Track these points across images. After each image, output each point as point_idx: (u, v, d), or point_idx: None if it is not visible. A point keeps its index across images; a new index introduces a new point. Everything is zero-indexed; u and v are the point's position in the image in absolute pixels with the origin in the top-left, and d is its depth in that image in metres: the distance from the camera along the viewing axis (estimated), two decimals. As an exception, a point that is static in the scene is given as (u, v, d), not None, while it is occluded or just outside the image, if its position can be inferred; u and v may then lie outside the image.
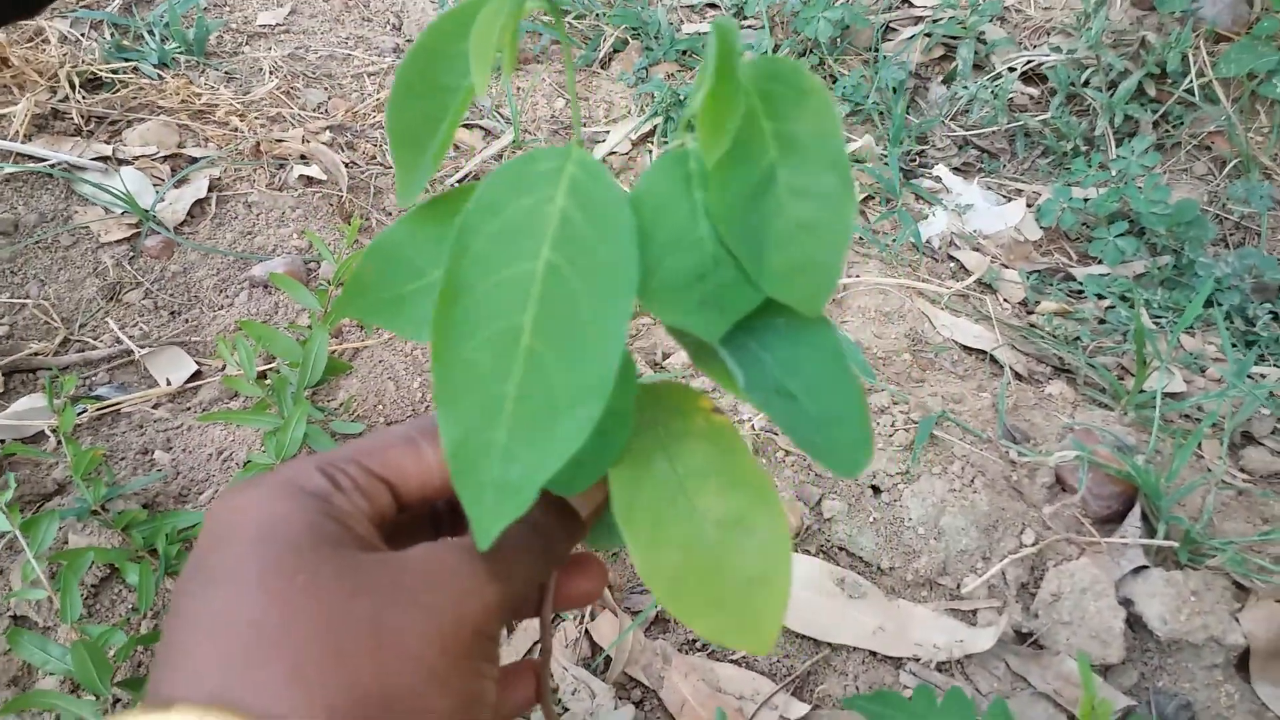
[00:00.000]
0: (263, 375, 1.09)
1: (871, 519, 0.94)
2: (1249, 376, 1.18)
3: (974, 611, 0.87)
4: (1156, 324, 1.31)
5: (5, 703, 0.79)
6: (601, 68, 1.81)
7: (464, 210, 0.27)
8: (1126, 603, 0.86)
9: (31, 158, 1.35)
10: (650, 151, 1.57)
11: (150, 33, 1.61)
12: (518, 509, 0.26)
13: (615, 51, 1.83)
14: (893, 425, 1.04)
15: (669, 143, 1.48)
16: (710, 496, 0.30)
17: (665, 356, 1.16)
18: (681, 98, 1.53)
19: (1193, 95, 1.60)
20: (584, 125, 1.65)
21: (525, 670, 0.37)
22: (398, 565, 0.29)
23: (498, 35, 0.26)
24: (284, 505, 0.29)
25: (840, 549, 0.94)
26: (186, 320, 1.19)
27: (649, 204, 0.28)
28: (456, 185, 0.29)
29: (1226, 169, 1.58)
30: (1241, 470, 1.05)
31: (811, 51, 1.83)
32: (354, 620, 0.27)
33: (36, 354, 1.13)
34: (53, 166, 1.34)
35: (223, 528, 0.29)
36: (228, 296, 1.22)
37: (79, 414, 1.05)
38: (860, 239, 1.44)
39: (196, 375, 1.12)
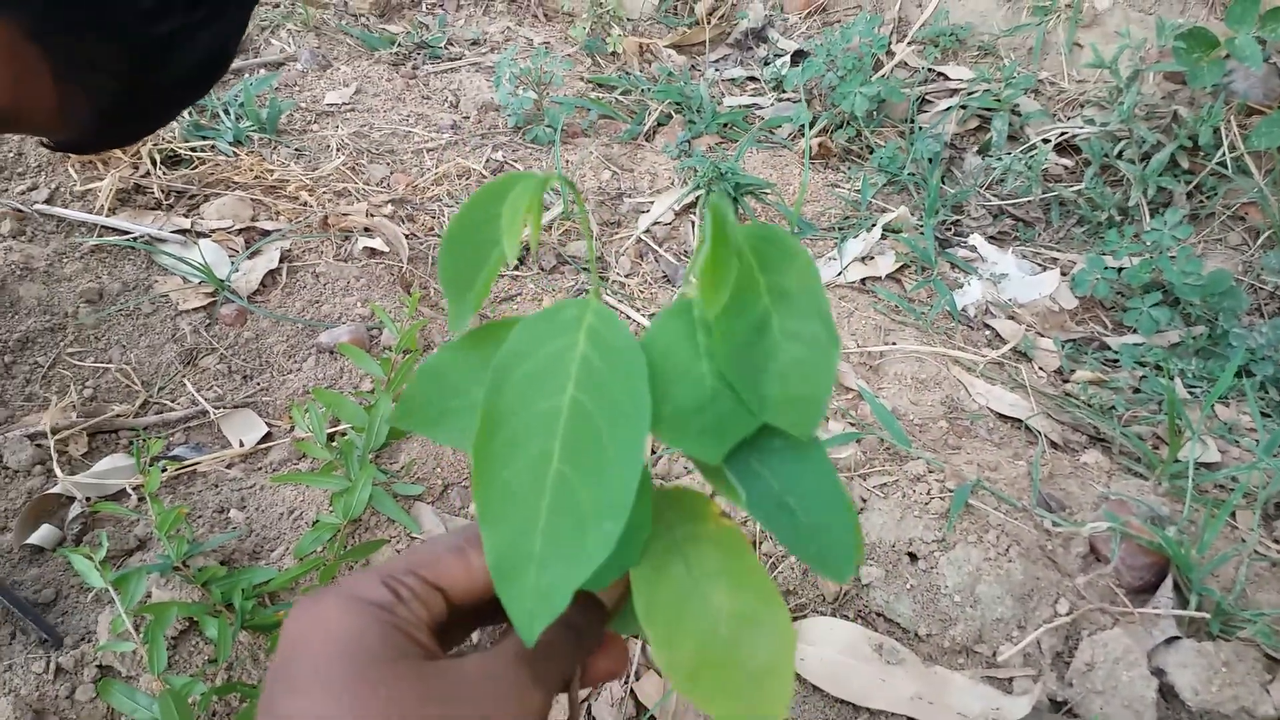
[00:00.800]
0: (330, 438, 1.16)
1: (909, 585, 0.98)
2: (1283, 447, 1.20)
3: (1010, 680, 0.90)
4: (1191, 393, 1.33)
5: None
6: (646, 140, 1.89)
7: (499, 353, 0.32)
8: (1159, 673, 0.88)
9: (116, 230, 1.45)
10: (693, 222, 1.63)
11: (226, 112, 1.73)
12: (554, 612, 0.31)
13: (659, 125, 1.92)
14: (928, 493, 1.07)
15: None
16: (722, 595, 0.34)
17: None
18: (722, 171, 1.60)
19: (1225, 167, 1.63)
20: (629, 195, 1.72)
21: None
22: (458, 674, 0.32)
23: (523, 214, 0.32)
24: (355, 618, 0.32)
25: (878, 615, 0.97)
26: (258, 384, 1.27)
27: (658, 347, 0.33)
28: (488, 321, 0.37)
29: (1260, 239, 1.61)
30: (1275, 541, 1.07)
31: (848, 124, 1.90)
32: None
33: (118, 415, 1.21)
34: (135, 239, 1.44)
35: (301, 639, 0.32)
36: (296, 362, 1.29)
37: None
38: (897, 308, 1.48)
39: (267, 437, 1.19)
